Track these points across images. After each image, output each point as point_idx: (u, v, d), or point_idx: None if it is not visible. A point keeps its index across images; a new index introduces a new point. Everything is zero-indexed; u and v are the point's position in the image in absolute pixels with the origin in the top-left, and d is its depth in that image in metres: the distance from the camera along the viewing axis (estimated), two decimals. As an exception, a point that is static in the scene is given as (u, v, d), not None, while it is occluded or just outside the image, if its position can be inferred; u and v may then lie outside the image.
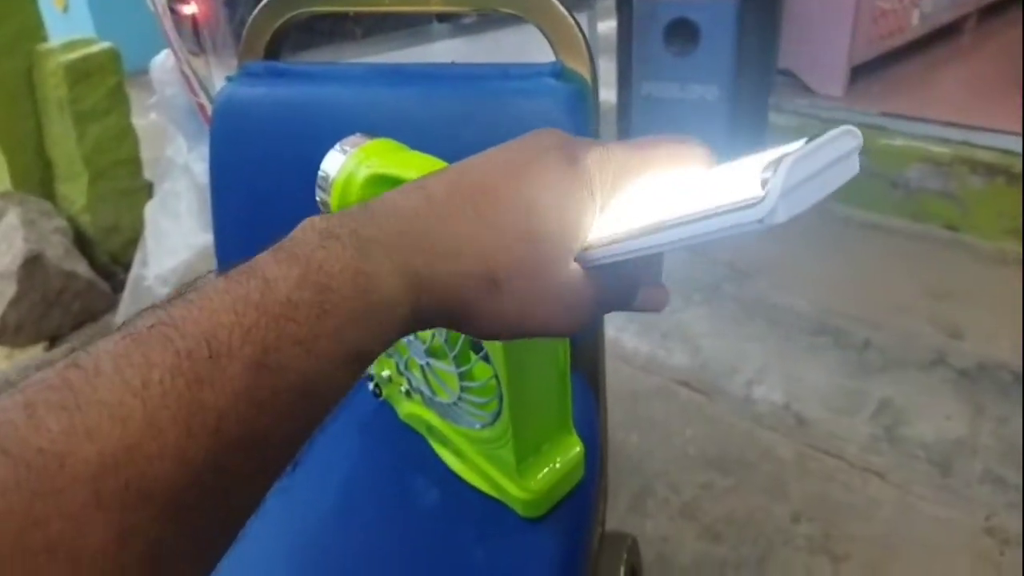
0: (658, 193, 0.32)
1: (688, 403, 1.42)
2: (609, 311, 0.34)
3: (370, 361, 0.27)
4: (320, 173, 0.43)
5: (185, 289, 0.25)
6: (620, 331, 1.57)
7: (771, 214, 0.26)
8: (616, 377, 1.49)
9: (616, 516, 1.21)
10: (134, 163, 1.97)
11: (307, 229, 0.27)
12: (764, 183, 0.26)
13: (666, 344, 1.54)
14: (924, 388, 1.39)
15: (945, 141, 1.79)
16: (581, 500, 0.55)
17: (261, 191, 0.68)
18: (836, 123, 0.28)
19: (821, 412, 1.36)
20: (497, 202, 0.29)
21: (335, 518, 0.56)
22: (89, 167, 1.88)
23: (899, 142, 1.83)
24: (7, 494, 0.20)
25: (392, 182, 0.40)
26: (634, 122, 1.84)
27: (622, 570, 0.63)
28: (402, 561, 0.53)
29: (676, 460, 1.30)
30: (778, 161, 0.26)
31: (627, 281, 0.34)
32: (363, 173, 0.42)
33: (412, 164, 0.41)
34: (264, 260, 0.26)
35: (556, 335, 0.32)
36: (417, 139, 0.44)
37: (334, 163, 0.43)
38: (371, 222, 0.28)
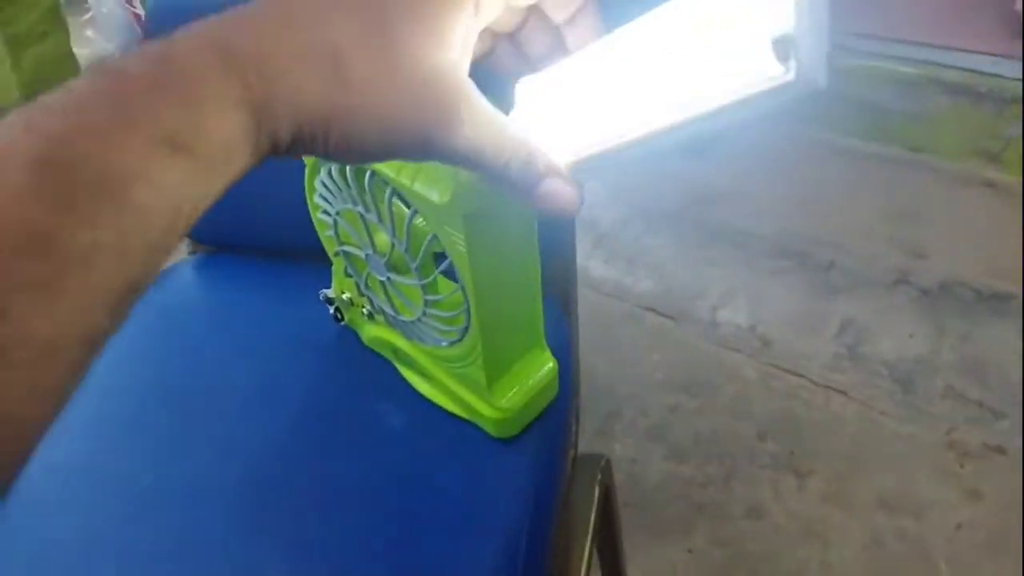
0: (626, 78, 0.29)
1: (655, 328, 1.41)
2: (486, 164, 0.28)
3: (199, 163, 0.22)
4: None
5: None
6: (587, 259, 1.55)
7: (811, 85, 0.23)
8: (583, 304, 1.47)
9: (584, 440, 1.21)
10: (75, 91, 1.87)
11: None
12: (786, 61, 0.23)
13: (632, 271, 1.53)
14: (887, 307, 1.39)
15: (913, 61, 1.77)
16: (555, 420, 0.53)
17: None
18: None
19: (785, 333, 1.37)
20: None
21: (292, 444, 0.54)
22: (28, 94, 1.78)
23: (868, 63, 1.80)
24: None
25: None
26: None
27: (596, 491, 0.62)
28: (366, 486, 0.51)
29: (643, 384, 1.30)
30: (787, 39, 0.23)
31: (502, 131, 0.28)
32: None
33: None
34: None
35: (405, 143, 0.26)
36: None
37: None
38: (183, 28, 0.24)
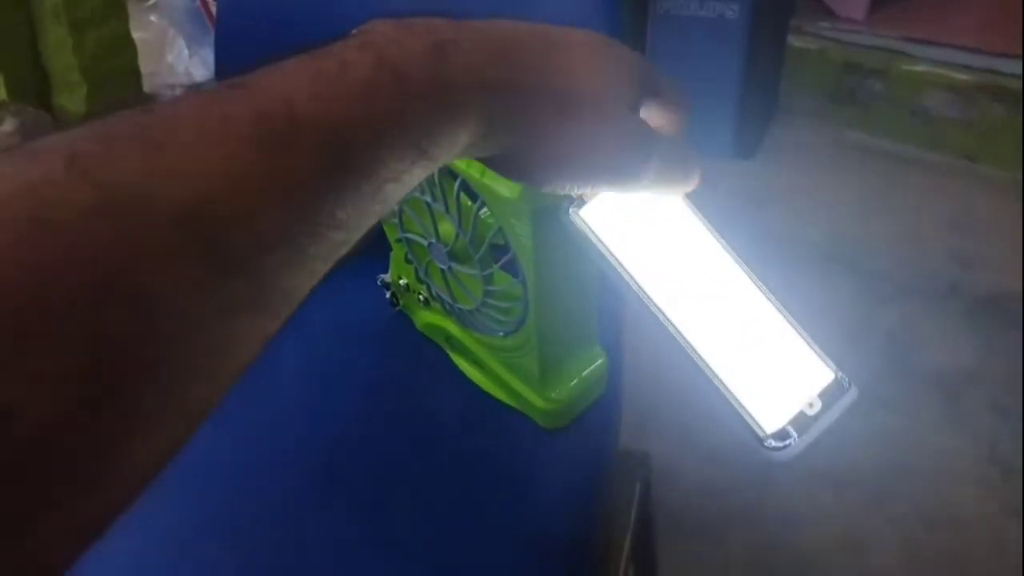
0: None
1: (696, 329, 1.40)
2: (664, 182, 0.34)
3: (431, 167, 0.26)
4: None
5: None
6: (629, 256, 1.55)
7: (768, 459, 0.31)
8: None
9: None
10: (134, 74, 1.91)
11: (377, 23, 0.26)
12: (782, 440, 0.31)
13: (675, 270, 1.52)
14: (935, 318, 1.38)
15: (968, 68, 1.74)
16: (603, 413, 0.54)
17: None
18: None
19: (830, 341, 1.35)
20: (571, 48, 0.30)
21: (343, 425, 0.55)
22: (87, 77, 1.82)
23: (920, 68, 1.77)
24: (94, 227, 0.18)
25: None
26: (650, 39, 1.78)
27: (637, 486, 0.63)
28: (417, 469, 0.52)
29: (680, 385, 1.30)
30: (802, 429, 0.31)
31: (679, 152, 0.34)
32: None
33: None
34: (337, 44, 0.25)
35: (604, 180, 0.32)
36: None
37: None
38: (447, 22, 0.27)
